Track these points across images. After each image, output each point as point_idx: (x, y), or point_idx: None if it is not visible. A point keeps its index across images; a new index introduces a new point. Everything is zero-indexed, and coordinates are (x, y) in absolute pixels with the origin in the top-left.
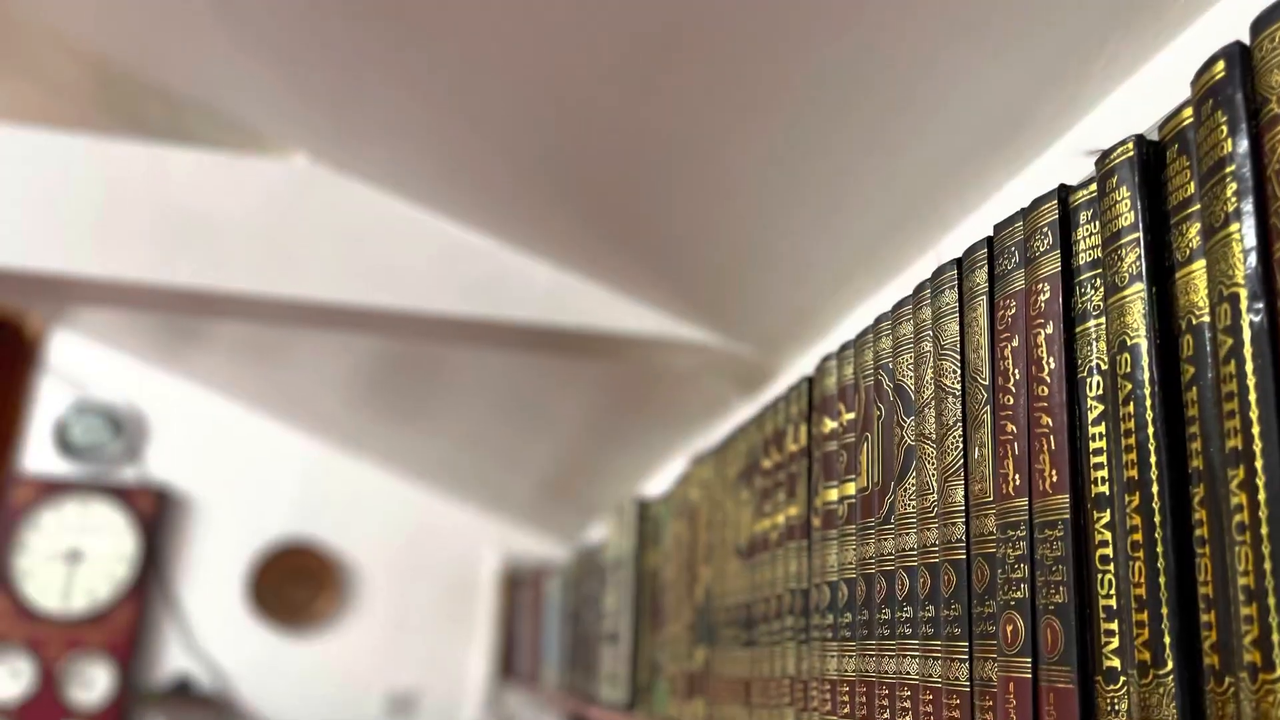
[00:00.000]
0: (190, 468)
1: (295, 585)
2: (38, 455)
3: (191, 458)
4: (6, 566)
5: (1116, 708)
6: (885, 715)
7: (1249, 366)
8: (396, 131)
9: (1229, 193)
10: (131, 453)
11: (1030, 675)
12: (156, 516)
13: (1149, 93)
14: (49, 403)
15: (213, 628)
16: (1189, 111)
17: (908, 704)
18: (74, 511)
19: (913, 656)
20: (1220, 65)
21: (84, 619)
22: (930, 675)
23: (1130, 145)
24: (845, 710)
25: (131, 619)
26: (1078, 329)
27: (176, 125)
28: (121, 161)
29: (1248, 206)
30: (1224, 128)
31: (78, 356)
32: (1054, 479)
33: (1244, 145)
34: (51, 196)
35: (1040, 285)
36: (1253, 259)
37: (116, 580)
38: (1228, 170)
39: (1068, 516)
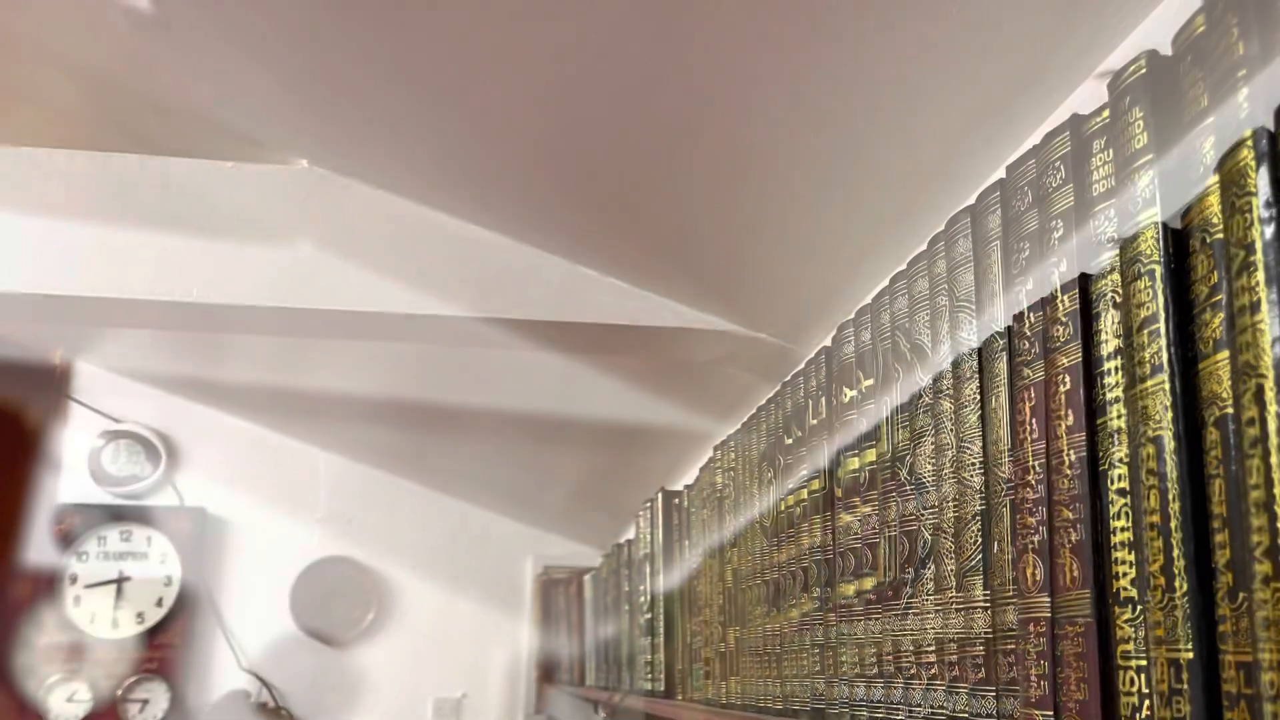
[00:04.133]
0: (225, 491)
1: (338, 600)
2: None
3: (226, 481)
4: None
5: None
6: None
7: (1274, 459)
8: (398, 131)
9: (1254, 281)
10: (166, 480)
11: None
12: (197, 540)
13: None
14: (79, 437)
15: (260, 645)
16: (1214, 198)
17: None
18: (115, 539)
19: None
20: (1246, 152)
21: (134, 641)
22: None
23: (1154, 234)
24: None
25: (180, 640)
26: (1099, 420)
27: (177, 138)
28: (124, 178)
29: (1274, 295)
30: (1249, 215)
31: (105, 388)
32: (1075, 574)
33: (1270, 232)
34: (55, 218)
35: (1061, 376)
36: (1279, 349)
37: (162, 604)
38: (1253, 258)
39: (1089, 612)
